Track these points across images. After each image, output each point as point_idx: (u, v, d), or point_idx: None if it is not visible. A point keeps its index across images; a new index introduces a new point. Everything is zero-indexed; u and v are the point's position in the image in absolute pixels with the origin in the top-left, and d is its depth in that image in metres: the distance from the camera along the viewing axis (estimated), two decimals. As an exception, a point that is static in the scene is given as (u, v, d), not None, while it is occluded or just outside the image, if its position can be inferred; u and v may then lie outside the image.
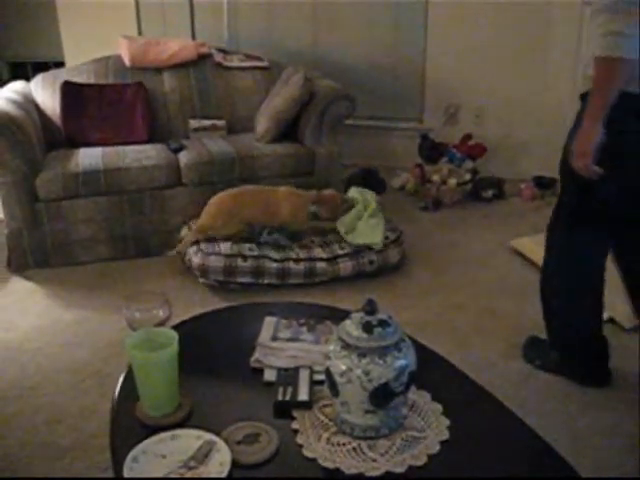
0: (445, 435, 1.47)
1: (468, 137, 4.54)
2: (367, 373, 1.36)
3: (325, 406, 1.54)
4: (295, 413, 1.52)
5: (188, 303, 3.01)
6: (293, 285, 3.22)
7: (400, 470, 1.36)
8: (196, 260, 3.15)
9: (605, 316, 2.97)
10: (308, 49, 4.85)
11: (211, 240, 3.21)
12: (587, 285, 2.46)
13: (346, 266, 3.25)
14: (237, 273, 3.13)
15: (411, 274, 3.44)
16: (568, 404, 2.45)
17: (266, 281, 3.18)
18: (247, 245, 3.20)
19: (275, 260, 3.17)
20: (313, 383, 1.61)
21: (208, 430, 1.43)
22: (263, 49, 4.61)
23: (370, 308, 1.41)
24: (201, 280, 3.18)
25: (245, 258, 3.14)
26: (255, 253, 3.17)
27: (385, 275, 3.37)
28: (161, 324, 1.65)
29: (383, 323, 1.40)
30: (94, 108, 3.86)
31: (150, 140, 3.85)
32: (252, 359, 1.72)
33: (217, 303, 3.04)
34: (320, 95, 3.83)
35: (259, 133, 3.85)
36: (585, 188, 2.16)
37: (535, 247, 3.47)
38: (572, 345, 2.55)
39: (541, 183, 4.41)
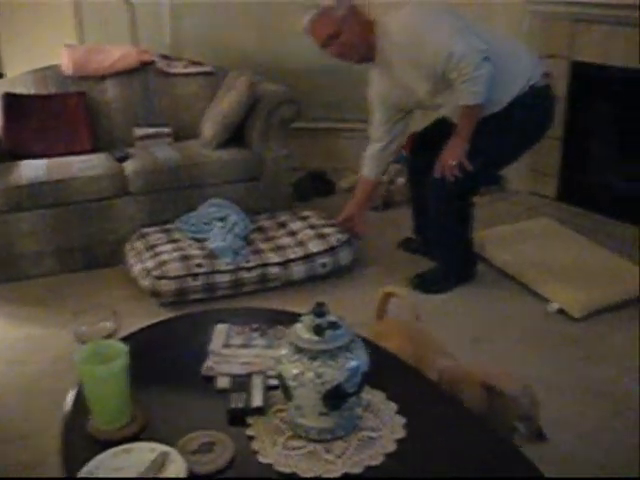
0: (401, 433, 1.48)
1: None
2: (319, 376, 1.36)
3: (280, 411, 1.53)
4: (250, 419, 1.51)
5: (139, 314, 2.96)
6: (247, 292, 3.20)
7: (357, 471, 1.36)
8: (145, 284, 3.10)
9: (555, 307, 3.04)
10: (253, 53, 4.82)
11: (159, 261, 3.15)
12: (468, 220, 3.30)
13: (299, 270, 3.24)
14: (189, 292, 3.10)
15: (364, 274, 3.45)
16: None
17: (219, 293, 3.15)
18: (195, 261, 3.14)
19: (227, 271, 3.14)
20: (267, 388, 1.60)
21: (163, 441, 1.41)
22: (207, 54, 4.58)
23: (319, 310, 1.41)
24: (152, 300, 3.13)
25: (195, 276, 3.09)
26: (204, 269, 3.11)
27: (338, 277, 3.38)
28: (110, 336, 1.62)
29: (333, 325, 1.40)
30: (36, 119, 3.79)
31: (94, 150, 3.79)
32: (204, 367, 1.70)
33: (169, 312, 3.01)
34: (265, 99, 3.83)
35: (205, 139, 3.82)
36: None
37: (484, 241, 3.52)
38: (457, 256, 3.32)
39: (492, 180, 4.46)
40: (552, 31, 4.13)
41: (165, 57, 4.35)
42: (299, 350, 1.40)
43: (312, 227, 3.44)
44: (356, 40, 3.02)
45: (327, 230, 3.41)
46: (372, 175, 3.43)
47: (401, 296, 2.34)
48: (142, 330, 1.95)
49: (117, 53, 4.10)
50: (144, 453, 1.38)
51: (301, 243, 3.31)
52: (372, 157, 3.39)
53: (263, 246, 3.32)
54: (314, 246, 3.29)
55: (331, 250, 3.30)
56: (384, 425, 1.50)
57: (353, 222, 3.47)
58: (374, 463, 1.38)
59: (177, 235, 3.38)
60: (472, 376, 1.83)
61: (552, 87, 3.18)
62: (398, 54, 2.97)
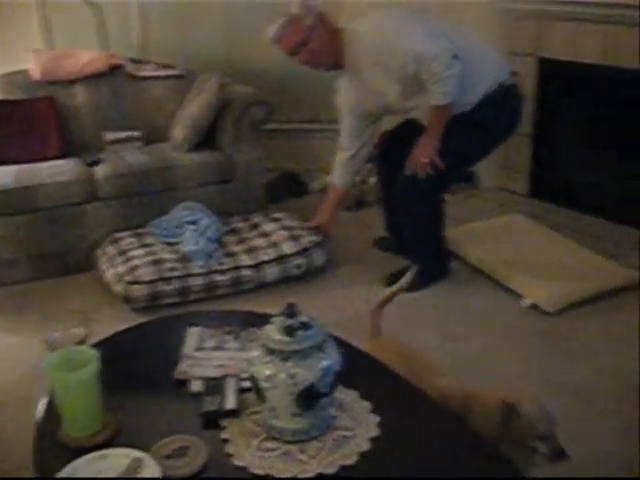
0: (375, 432, 1.48)
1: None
2: (292, 376, 1.37)
3: (253, 413, 1.53)
4: (224, 422, 1.51)
5: (112, 319, 2.93)
6: (221, 295, 3.19)
7: (331, 471, 1.37)
8: (118, 289, 3.08)
9: (528, 302, 3.07)
10: (223, 55, 4.81)
11: (131, 265, 3.13)
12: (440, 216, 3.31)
13: (272, 271, 3.24)
14: (162, 297, 3.07)
15: (337, 275, 3.45)
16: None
17: (193, 297, 3.13)
18: (168, 265, 3.13)
19: (200, 274, 3.12)
20: (241, 391, 1.59)
21: (137, 447, 1.40)
22: (176, 57, 4.55)
23: (290, 311, 1.41)
24: (125, 305, 3.10)
25: (168, 280, 3.07)
26: (178, 273, 3.10)
27: (312, 277, 3.37)
28: (81, 343, 1.61)
29: (304, 325, 1.40)
30: (4, 125, 3.74)
31: (64, 155, 3.75)
32: (177, 371, 1.70)
33: (142, 317, 2.98)
34: (236, 101, 3.81)
35: (176, 142, 3.80)
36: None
37: (458, 238, 3.54)
38: (431, 254, 3.32)
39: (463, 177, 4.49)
40: (520, 29, 4.16)
41: (134, 60, 4.33)
42: (271, 351, 1.40)
43: (285, 229, 3.43)
44: (324, 48, 3.05)
45: (300, 231, 3.40)
46: (343, 183, 3.46)
47: (401, 288, 2.24)
48: (114, 335, 1.93)
49: (85, 57, 4.07)
50: (118, 459, 1.38)
51: (274, 245, 3.31)
52: (342, 165, 3.42)
53: (236, 248, 3.31)
54: (287, 248, 3.29)
55: (304, 251, 3.30)
56: (358, 424, 1.50)
57: (326, 227, 3.49)
58: (348, 463, 1.39)
59: (149, 239, 3.36)
60: (488, 395, 1.77)
61: (519, 86, 3.23)
62: (368, 59, 2.99)
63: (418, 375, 1.89)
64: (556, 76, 4.10)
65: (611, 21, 3.65)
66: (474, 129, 3.05)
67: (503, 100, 3.09)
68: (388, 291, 2.25)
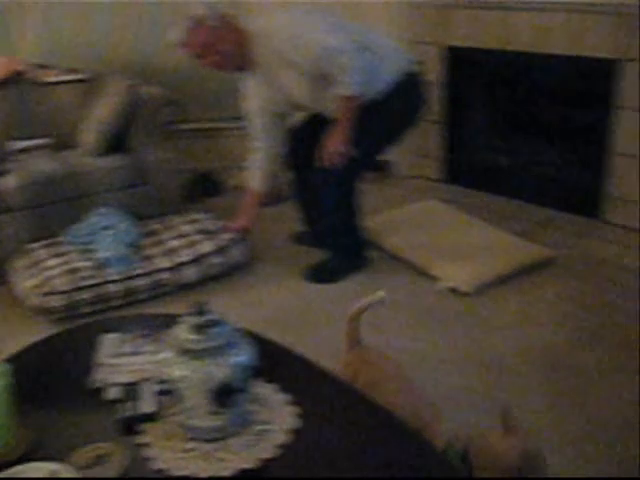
0: (294, 424, 1.49)
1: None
2: (205, 374, 1.37)
3: (172, 415, 1.52)
4: (143, 427, 1.50)
5: (27, 333, 2.80)
6: (141, 300, 3.15)
7: (251, 465, 1.37)
8: (32, 302, 3.00)
9: (444, 285, 3.14)
10: (130, 56, 4.74)
11: (45, 276, 3.05)
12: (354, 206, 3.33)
13: (191, 272, 3.21)
14: (80, 306, 3.01)
15: (258, 271, 3.45)
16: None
17: (113, 304, 3.08)
18: (84, 273, 3.06)
19: (117, 281, 3.07)
20: (160, 393, 1.58)
21: (55, 460, 1.37)
22: (82, 60, 4.46)
23: (199, 310, 1.41)
24: (41, 318, 3.02)
25: (85, 289, 3.01)
26: (94, 281, 3.04)
27: (233, 275, 3.37)
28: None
29: (214, 323, 1.40)
30: None
31: (-31, 168, 3.64)
32: (92, 379, 1.67)
33: (57, 327, 2.91)
34: (145, 102, 3.76)
35: (86, 147, 3.72)
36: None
37: (375, 227, 3.59)
38: (348, 244, 3.38)
39: (375, 166, 4.54)
40: (426, 18, 4.24)
41: (38, 66, 4.22)
42: (182, 351, 1.39)
43: (202, 228, 3.41)
44: (230, 49, 3.05)
45: (217, 230, 3.39)
46: (259, 184, 3.45)
47: (377, 299, 2.07)
48: (28, 349, 1.88)
49: (-14, 64, 3.95)
50: (34, 473, 1.35)
51: (191, 245, 3.29)
52: (257, 167, 3.42)
53: (153, 251, 3.27)
54: (204, 247, 3.27)
55: (222, 250, 3.30)
56: (277, 417, 1.51)
57: (246, 229, 3.48)
58: (267, 456, 1.39)
59: (64, 248, 3.28)
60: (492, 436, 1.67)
61: (422, 74, 3.31)
62: (277, 57, 3.00)
63: (408, 401, 1.78)
64: (463, 63, 4.19)
65: (510, 7, 3.76)
66: (380, 117, 3.10)
67: (407, 88, 3.15)
68: (363, 302, 2.09)
